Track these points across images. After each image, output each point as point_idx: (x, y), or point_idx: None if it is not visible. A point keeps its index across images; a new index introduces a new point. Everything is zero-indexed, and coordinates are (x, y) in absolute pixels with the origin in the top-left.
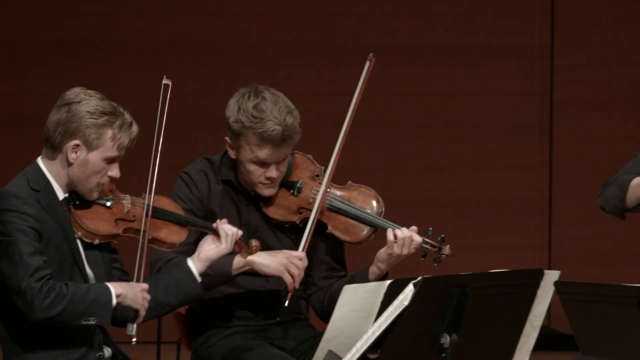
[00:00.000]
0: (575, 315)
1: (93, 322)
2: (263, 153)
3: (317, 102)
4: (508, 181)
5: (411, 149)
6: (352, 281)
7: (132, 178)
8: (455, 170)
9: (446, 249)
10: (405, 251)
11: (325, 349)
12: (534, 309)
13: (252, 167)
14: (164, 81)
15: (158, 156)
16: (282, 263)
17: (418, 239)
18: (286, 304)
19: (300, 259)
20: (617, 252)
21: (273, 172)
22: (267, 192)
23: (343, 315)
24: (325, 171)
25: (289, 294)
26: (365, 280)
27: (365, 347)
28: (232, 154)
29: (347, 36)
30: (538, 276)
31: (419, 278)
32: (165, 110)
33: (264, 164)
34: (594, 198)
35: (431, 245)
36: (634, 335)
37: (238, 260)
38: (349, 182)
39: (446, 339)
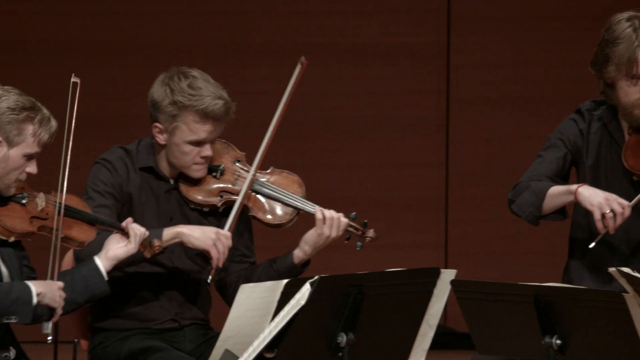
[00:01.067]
0: (472, 313)
1: (15, 321)
2: (203, 130)
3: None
4: (405, 180)
5: (309, 148)
6: (273, 265)
7: (39, 175)
8: (352, 168)
9: (370, 232)
10: (334, 232)
11: (222, 349)
12: (431, 307)
13: (188, 148)
14: (73, 79)
15: (69, 154)
16: (211, 237)
17: (345, 220)
18: (209, 281)
19: (226, 237)
20: (514, 250)
21: (209, 151)
22: (200, 173)
23: (240, 315)
24: (247, 156)
25: (212, 271)
26: (290, 264)
27: (261, 347)
28: (161, 139)
29: (251, 36)
30: (434, 275)
31: (316, 277)
32: (75, 107)
33: (200, 143)
34: (490, 197)
35: (355, 228)
36: (530, 333)
37: (168, 232)
38: (272, 167)
39: (343, 338)
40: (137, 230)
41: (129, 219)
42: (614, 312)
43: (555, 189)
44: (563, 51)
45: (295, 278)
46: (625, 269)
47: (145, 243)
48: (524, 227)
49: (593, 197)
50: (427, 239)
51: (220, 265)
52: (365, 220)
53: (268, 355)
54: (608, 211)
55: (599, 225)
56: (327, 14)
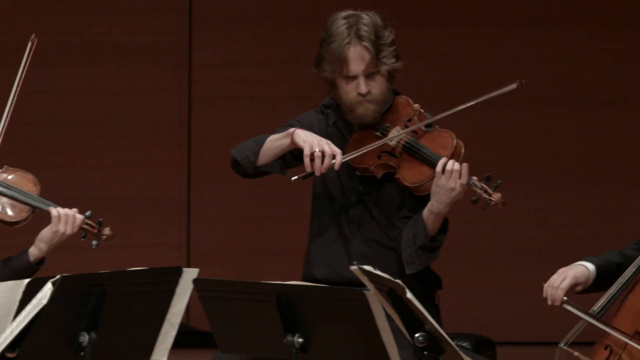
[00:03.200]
0: (214, 312)
1: None
2: None
3: None
4: (147, 179)
5: (48, 148)
6: (7, 264)
7: None
8: (92, 168)
9: (106, 230)
10: (68, 229)
11: None
12: (173, 306)
13: None
14: None
15: None
16: None
17: (80, 216)
18: None
19: None
20: (257, 249)
21: None
22: None
23: None
24: None
25: None
26: (26, 262)
27: (3, 346)
28: None
29: None
30: (176, 274)
31: (58, 276)
32: None
33: None
34: (233, 196)
35: (91, 226)
36: (272, 332)
37: None
38: (5, 166)
39: (85, 338)
40: None
41: None
42: (356, 309)
43: (275, 135)
44: (306, 50)
45: (37, 277)
46: (367, 267)
47: None
48: (267, 226)
49: (308, 136)
50: (170, 238)
51: None
52: (101, 219)
53: (10, 355)
54: (317, 150)
55: (307, 161)
56: (70, 12)
